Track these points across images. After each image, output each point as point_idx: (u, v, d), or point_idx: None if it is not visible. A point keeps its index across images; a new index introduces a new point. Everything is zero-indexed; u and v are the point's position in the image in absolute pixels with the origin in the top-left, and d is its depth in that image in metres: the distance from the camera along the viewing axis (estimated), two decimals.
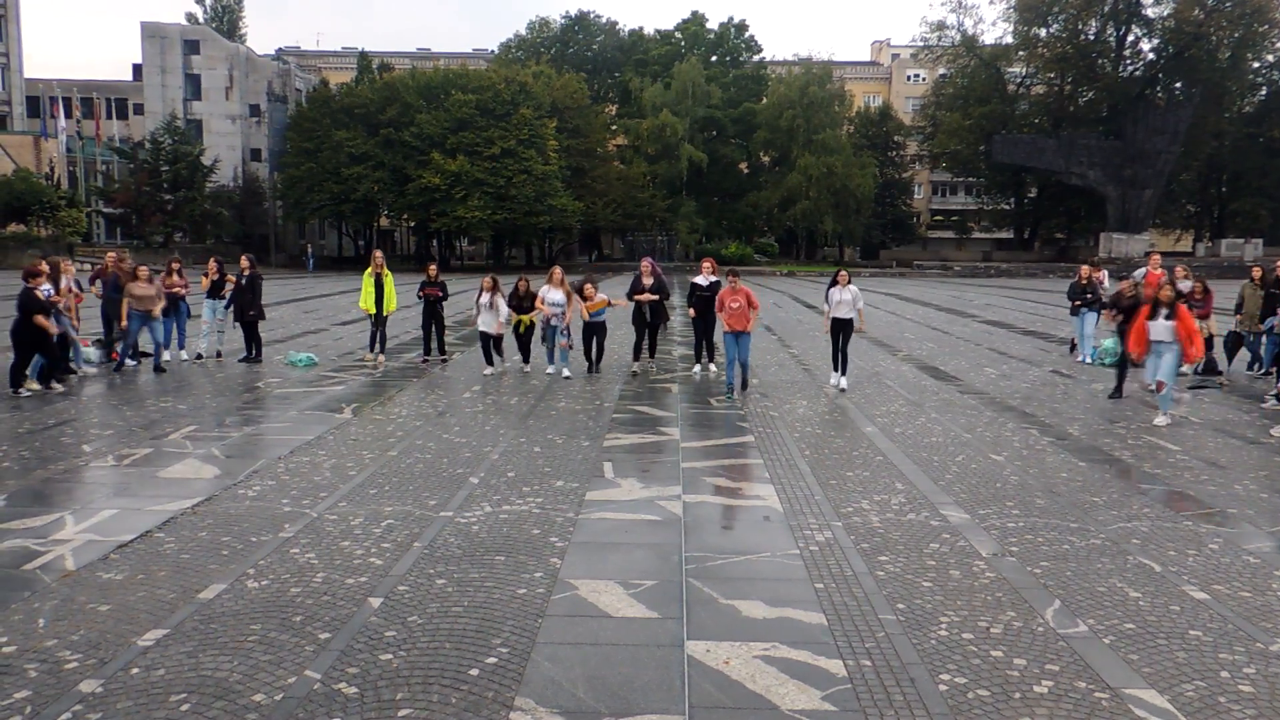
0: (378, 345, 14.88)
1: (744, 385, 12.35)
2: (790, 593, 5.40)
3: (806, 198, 65.50)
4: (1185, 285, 13.92)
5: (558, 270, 13.88)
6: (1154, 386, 10.50)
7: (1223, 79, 63.92)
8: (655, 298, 13.87)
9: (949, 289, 41.41)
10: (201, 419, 10.29)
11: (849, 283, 12.50)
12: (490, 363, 13.92)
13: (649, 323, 14.01)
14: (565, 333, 13.49)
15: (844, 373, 12.73)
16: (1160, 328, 10.19)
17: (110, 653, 4.52)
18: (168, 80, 64.73)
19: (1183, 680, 4.37)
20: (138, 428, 9.82)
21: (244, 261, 15.17)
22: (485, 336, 13.80)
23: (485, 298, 13.64)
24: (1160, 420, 10.39)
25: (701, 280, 13.83)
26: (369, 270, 14.74)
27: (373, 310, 14.70)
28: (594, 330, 13.86)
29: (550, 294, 13.46)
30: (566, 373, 13.39)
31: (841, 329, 12.53)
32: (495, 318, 13.56)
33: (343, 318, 23.45)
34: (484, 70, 64.12)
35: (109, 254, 15.50)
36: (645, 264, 13.94)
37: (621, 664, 4.49)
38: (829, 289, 12.60)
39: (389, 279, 14.77)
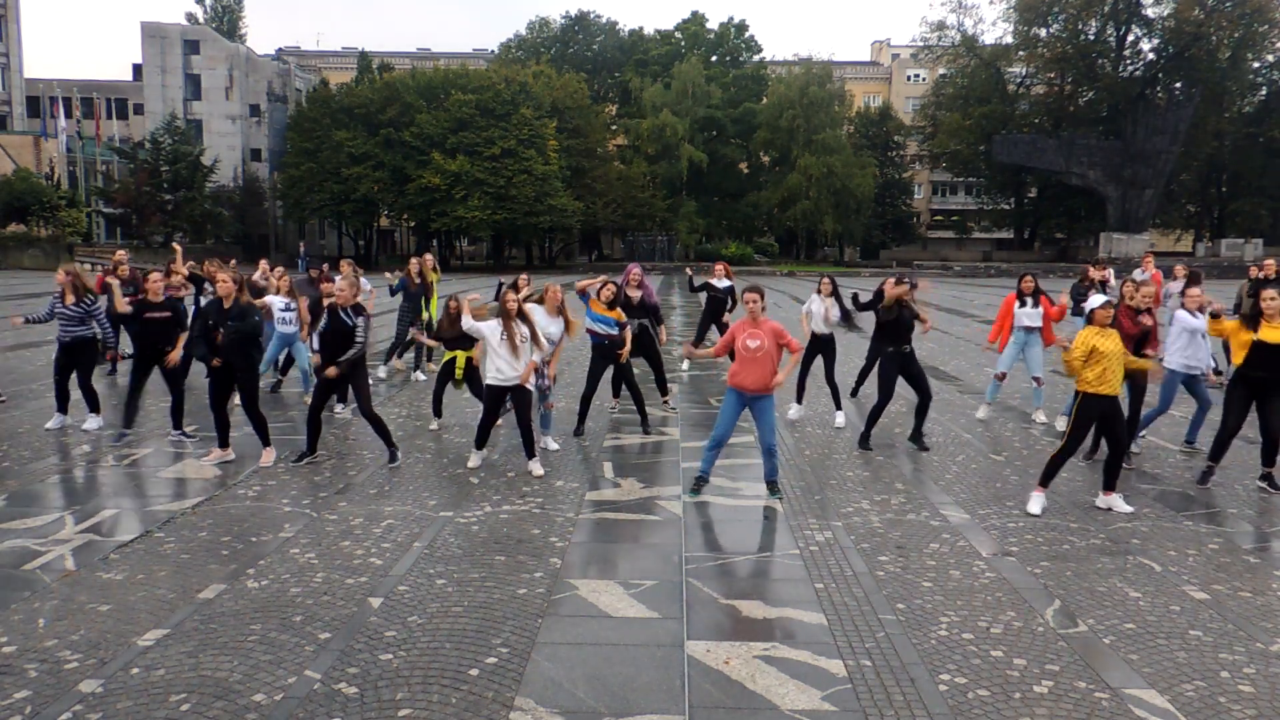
0: (397, 353, 13.47)
1: (774, 481, 7.45)
2: (790, 593, 5.41)
3: (806, 198, 65.56)
4: (1174, 285, 13.93)
5: (555, 289, 8.91)
6: None
7: (1223, 79, 63.96)
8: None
9: (949, 289, 41.39)
10: (201, 419, 10.29)
11: (833, 292, 10.25)
12: (480, 446, 8.29)
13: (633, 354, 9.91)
14: (549, 389, 8.66)
15: (839, 405, 10.50)
16: None
17: (110, 653, 4.52)
18: (168, 80, 64.75)
19: (1183, 680, 4.38)
20: (138, 428, 9.82)
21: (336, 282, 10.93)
22: (498, 395, 7.93)
23: (495, 328, 7.77)
24: None
25: (717, 283, 13.32)
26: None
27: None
28: (605, 354, 9.43)
29: (544, 323, 8.59)
30: (554, 444, 8.93)
31: (822, 349, 10.41)
32: (513, 353, 7.73)
33: None
34: (484, 70, 64.12)
35: (118, 253, 14.72)
36: (633, 272, 10.46)
37: (621, 664, 4.48)
38: (812, 304, 10.47)
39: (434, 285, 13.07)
